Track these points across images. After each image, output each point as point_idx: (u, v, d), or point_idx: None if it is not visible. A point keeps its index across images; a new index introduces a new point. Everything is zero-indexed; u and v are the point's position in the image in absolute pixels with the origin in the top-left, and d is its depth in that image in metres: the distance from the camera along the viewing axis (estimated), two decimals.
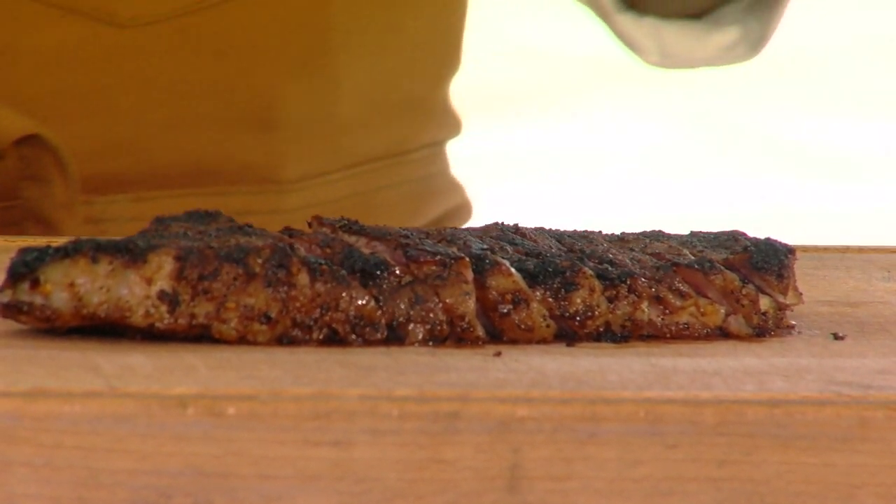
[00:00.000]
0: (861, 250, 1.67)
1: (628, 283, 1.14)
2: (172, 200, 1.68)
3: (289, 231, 1.19)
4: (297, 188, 1.76)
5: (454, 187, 1.98)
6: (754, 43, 1.82)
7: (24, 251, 1.11)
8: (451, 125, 1.97)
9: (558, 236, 1.22)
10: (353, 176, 1.84)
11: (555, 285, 1.13)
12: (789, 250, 1.23)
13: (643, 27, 1.83)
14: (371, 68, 1.88)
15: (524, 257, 1.15)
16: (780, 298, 1.18)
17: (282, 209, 1.74)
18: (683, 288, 1.15)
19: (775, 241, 1.24)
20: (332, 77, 1.86)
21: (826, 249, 1.67)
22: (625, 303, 1.13)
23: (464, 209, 1.95)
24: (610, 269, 1.17)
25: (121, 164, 1.74)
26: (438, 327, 1.11)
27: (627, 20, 1.82)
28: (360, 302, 1.10)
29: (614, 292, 1.13)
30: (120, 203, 1.74)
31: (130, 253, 1.08)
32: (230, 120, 1.84)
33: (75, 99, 1.78)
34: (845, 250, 1.57)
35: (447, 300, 1.11)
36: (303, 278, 1.10)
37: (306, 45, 1.87)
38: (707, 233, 1.27)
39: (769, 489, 0.99)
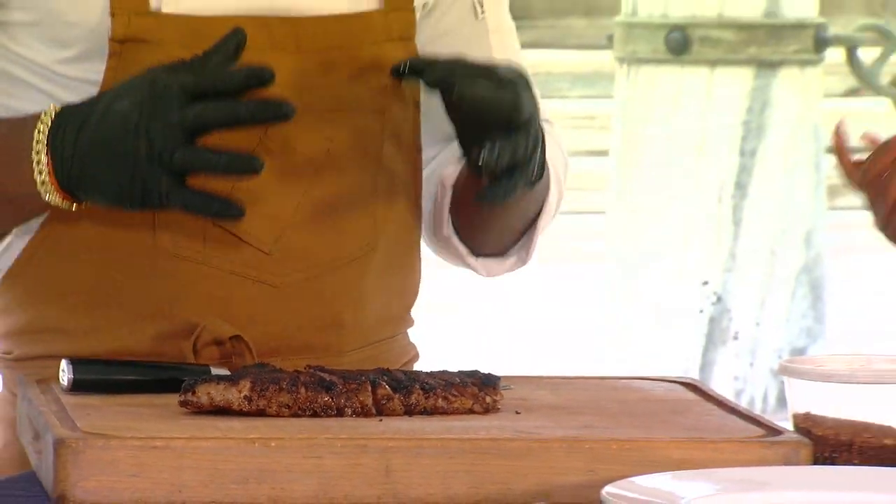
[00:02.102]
0: None
1: (435, 390, 1.68)
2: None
3: (308, 369, 1.72)
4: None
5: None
6: (524, 262, 2.10)
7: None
8: None
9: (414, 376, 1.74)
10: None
11: (402, 390, 1.69)
12: (497, 379, 1.76)
13: (478, 262, 2.10)
14: None
15: (392, 380, 1.69)
16: (495, 398, 1.73)
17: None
18: (456, 393, 1.70)
19: (490, 374, 1.77)
20: None
21: None
22: (434, 398, 1.68)
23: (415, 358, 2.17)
24: (430, 381, 1.70)
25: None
26: (362, 410, 1.66)
27: (472, 260, 2.08)
28: (323, 399, 1.65)
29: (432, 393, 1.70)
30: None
31: (234, 379, 1.66)
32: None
33: None
34: None
35: (360, 398, 1.66)
36: (305, 390, 1.66)
37: None
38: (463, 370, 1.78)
39: None
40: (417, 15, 1.95)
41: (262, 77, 1.73)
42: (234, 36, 1.75)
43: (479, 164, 1.79)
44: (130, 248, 1.90)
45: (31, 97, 1.89)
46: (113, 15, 1.83)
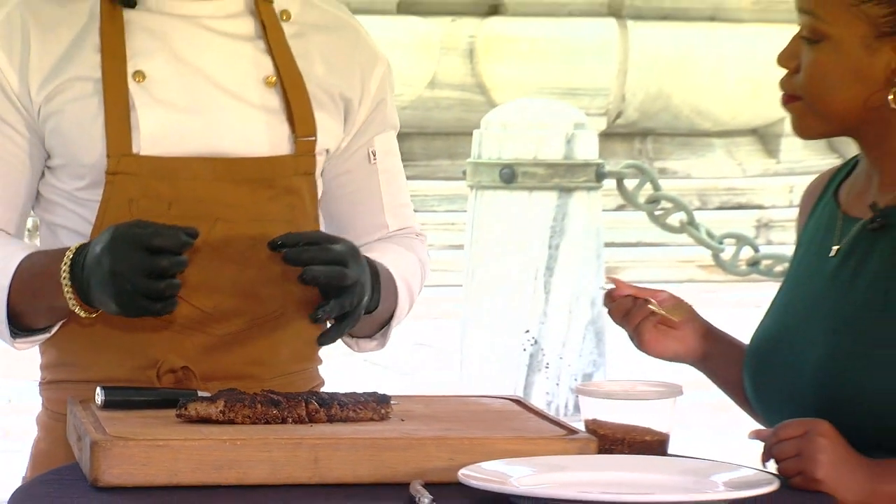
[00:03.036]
0: None
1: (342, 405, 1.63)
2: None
3: (262, 393, 1.65)
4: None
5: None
6: (383, 345, 1.95)
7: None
8: None
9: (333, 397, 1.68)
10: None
11: (325, 405, 1.64)
12: (388, 398, 1.69)
13: (351, 341, 1.94)
14: None
15: (319, 399, 1.65)
16: (387, 410, 1.67)
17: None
18: (361, 407, 1.65)
19: (384, 394, 1.70)
20: None
21: None
22: (347, 410, 1.63)
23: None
24: (344, 399, 1.64)
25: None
26: (299, 419, 1.61)
27: (347, 339, 1.91)
28: (272, 412, 1.60)
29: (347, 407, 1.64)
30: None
31: (213, 399, 1.61)
32: None
33: None
34: None
35: (297, 411, 1.62)
36: (261, 406, 1.61)
37: None
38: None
39: None
40: (322, 158, 1.87)
41: (192, 234, 1.69)
42: (188, 231, 1.71)
43: (313, 321, 1.75)
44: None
45: (62, 214, 1.85)
46: (108, 157, 1.77)
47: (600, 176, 4.67)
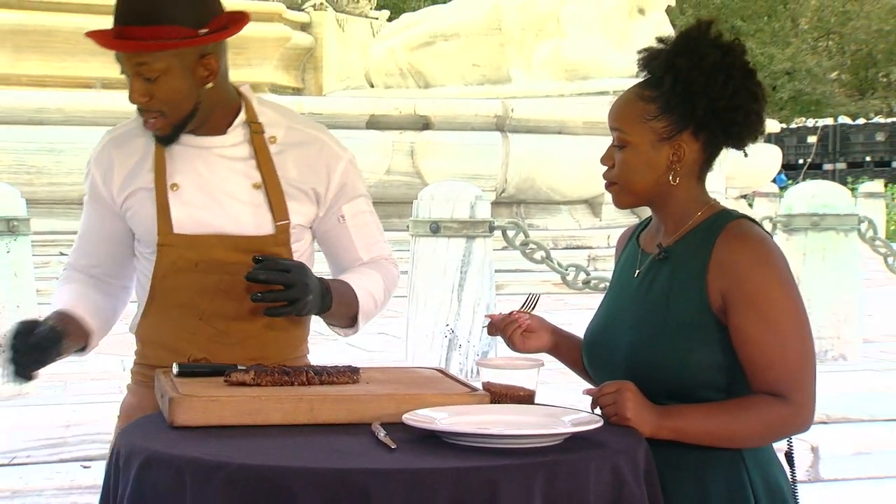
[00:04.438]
0: None
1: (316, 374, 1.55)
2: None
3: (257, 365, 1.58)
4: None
5: None
6: (356, 332, 1.81)
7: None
8: None
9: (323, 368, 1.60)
10: None
11: (318, 374, 1.57)
12: (357, 369, 1.61)
13: (333, 329, 1.85)
14: None
15: (313, 370, 1.58)
16: (357, 376, 1.58)
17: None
18: (340, 374, 1.59)
19: (354, 366, 1.61)
20: None
21: None
22: (331, 377, 1.57)
23: None
24: (329, 370, 1.58)
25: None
26: (301, 383, 1.55)
27: (339, 331, 1.85)
28: (284, 378, 1.55)
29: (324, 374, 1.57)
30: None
31: (247, 370, 1.56)
32: None
33: None
34: None
35: (300, 378, 1.55)
36: (277, 375, 1.56)
37: None
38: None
39: None
40: (300, 229, 1.77)
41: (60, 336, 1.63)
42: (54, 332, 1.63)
43: (252, 301, 1.64)
44: (175, 327, 1.78)
45: (139, 265, 1.82)
46: (157, 235, 1.74)
47: (491, 229, 4.65)
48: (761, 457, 1.50)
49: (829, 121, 22.86)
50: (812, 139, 22.23)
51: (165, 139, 1.71)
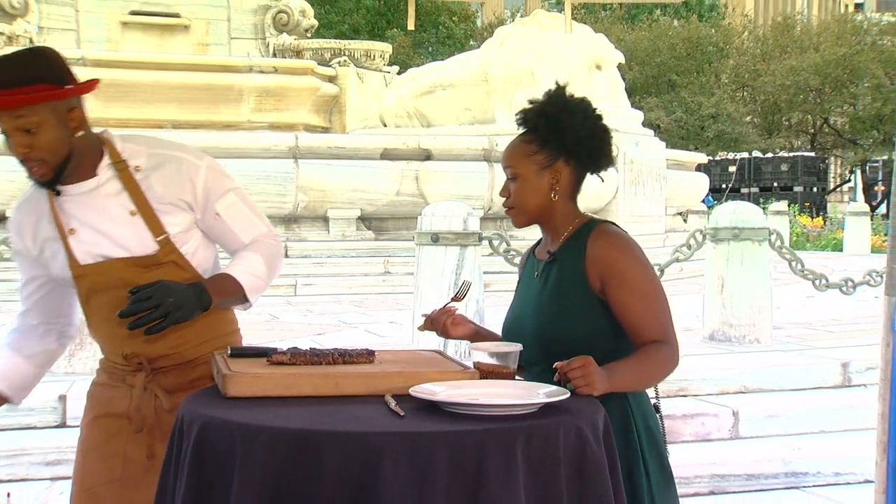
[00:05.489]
0: None
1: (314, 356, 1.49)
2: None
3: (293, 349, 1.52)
4: None
5: None
6: (249, 307, 1.69)
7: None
8: None
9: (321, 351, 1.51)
10: None
11: (342, 355, 1.52)
12: (372, 352, 1.58)
13: (241, 307, 1.68)
14: None
15: (338, 352, 1.52)
16: (372, 358, 1.54)
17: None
18: (359, 356, 1.52)
19: (370, 350, 1.58)
20: None
21: None
22: (352, 358, 1.51)
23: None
24: (349, 351, 1.52)
25: None
26: (328, 363, 1.50)
27: (238, 307, 1.68)
28: (314, 359, 1.51)
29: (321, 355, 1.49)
30: None
31: (284, 352, 1.53)
32: None
33: None
34: None
35: (327, 358, 1.51)
36: (309, 356, 1.52)
37: None
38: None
39: None
40: (183, 234, 1.65)
41: None
42: None
43: (119, 317, 1.53)
44: (108, 334, 1.70)
45: (72, 293, 1.76)
46: (70, 269, 1.68)
47: (480, 239, 4.62)
48: (642, 403, 1.56)
49: (745, 154, 23.33)
50: (732, 169, 22.66)
51: (48, 183, 1.62)
